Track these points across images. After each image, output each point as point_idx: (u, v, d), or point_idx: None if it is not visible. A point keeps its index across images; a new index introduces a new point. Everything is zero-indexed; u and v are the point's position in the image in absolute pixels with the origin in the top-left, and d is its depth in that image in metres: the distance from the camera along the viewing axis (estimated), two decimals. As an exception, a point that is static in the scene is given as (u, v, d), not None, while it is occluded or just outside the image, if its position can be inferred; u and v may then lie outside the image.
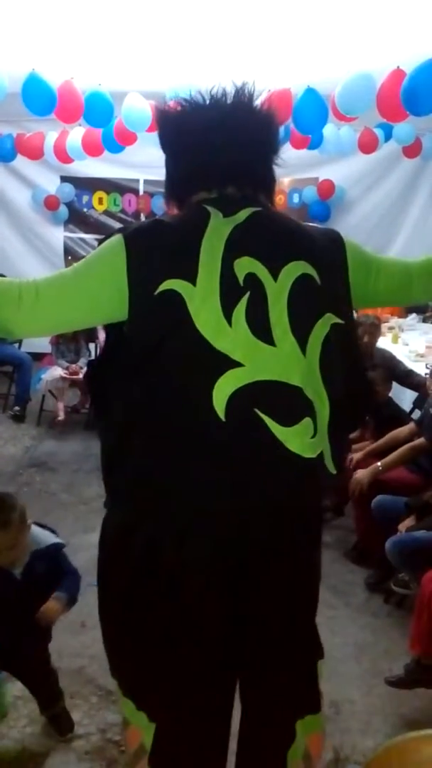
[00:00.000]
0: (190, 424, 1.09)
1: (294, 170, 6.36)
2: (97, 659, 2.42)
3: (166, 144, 1.28)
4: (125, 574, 1.22)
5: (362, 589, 2.97)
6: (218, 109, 1.20)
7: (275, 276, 1.13)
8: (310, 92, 3.83)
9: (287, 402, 1.10)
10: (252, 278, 1.12)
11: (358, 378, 1.25)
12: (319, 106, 3.84)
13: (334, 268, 1.20)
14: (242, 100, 1.22)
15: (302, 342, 1.12)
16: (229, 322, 1.08)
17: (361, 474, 2.98)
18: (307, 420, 1.11)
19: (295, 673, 1.25)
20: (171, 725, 1.23)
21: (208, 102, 1.21)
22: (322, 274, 1.17)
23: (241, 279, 1.11)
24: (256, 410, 1.08)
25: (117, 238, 1.16)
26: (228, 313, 1.09)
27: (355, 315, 1.28)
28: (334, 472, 1.16)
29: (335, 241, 1.25)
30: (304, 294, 1.14)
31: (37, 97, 3.63)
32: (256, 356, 1.09)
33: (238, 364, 1.07)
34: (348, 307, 1.22)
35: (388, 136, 4.93)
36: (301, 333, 1.12)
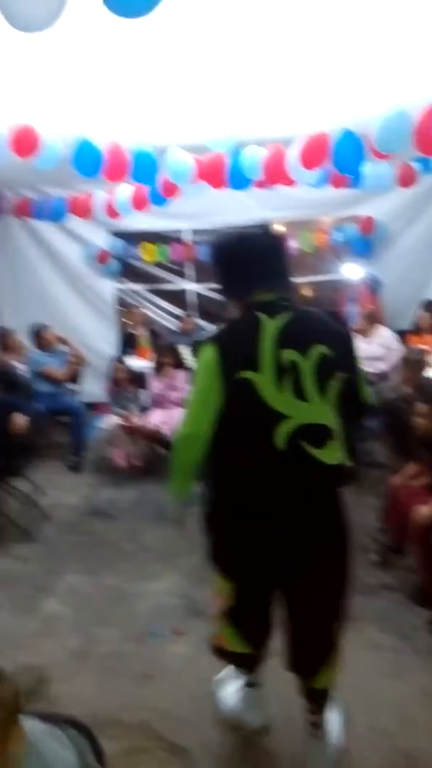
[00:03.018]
0: (264, 452, 1.85)
1: (335, 209, 6.43)
2: (162, 713, 2.39)
3: (224, 267, 2.02)
4: (228, 522, 2.00)
5: (428, 632, 2.84)
6: (259, 239, 1.97)
7: (305, 357, 1.86)
8: (348, 134, 3.89)
9: (318, 434, 1.86)
10: (292, 362, 1.85)
11: (357, 406, 2.04)
12: (357, 146, 3.89)
13: (341, 341, 1.96)
14: (270, 235, 2.02)
15: (323, 396, 1.88)
16: (281, 392, 1.84)
17: (422, 511, 2.88)
18: (331, 442, 1.88)
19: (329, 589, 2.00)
20: (243, 589, 2.05)
21: (249, 238, 1.97)
22: (333, 348, 1.90)
23: (285, 364, 1.85)
24: (300, 441, 1.85)
25: (211, 349, 1.89)
26: (279, 386, 1.84)
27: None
28: (351, 464, 1.93)
29: (344, 325, 2.07)
30: (322, 366, 1.88)
31: (87, 160, 3.82)
32: (298, 410, 1.85)
33: (287, 417, 1.84)
34: (353, 361, 1.98)
35: (426, 169, 4.92)
36: (322, 390, 1.88)
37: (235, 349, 1.86)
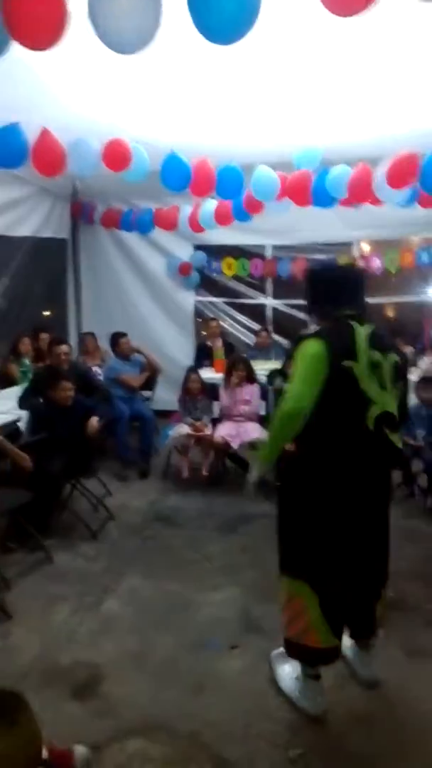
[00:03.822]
0: (357, 431, 2.29)
1: (422, 229, 6.27)
2: (214, 726, 2.37)
3: (319, 289, 2.55)
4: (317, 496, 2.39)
5: None
6: (347, 273, 2.73)
7: (385, 359, 2.35)
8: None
9: (392, 421, 2.33)
10: (378, 361, 2.33)
11: (403, 410, 2.48)
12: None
13: (403, 356, 2.49)
14: (357, 269, 3.55)
15: (394, 392, 2.36)
16: (371, 382, 2.29)
17: None
18: (398, 429, 2.37)
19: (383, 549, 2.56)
20: (325, 581, 2.41)
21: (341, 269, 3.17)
22: (399, 359, 2.42)
23: (374, 360, 2.31)
24: (382, 425, 2.30)
25: (318, 342, 2.30)
26: (371, 377, 2.29)
27: None
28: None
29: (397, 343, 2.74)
30: (395, 369, 2.38)
31: (175, 174, 3.93)
32: (382, 399, 2.31)
33: (375, 403, 2.29)
34: (406, 374, 2.55)
35: None
36: (393, 387, 2.36)
37: (338, 344, 2.29)
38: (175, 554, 3.95)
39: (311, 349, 2.29)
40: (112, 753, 2.22)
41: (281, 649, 2.63)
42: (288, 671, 2.63)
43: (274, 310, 7.15)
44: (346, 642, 2.62)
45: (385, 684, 2.61)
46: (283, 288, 7.00)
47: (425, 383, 4.77)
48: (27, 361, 5.66)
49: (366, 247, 6.92)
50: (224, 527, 4.29)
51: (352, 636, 2.64)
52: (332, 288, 2.50)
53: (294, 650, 2.50)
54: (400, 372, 2.40)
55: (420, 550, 3.87)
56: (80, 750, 2.02)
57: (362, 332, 2.32)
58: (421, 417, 4.62)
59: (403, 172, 3.81)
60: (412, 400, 4.61)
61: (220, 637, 2.99)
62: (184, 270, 6.94)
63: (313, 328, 2.58)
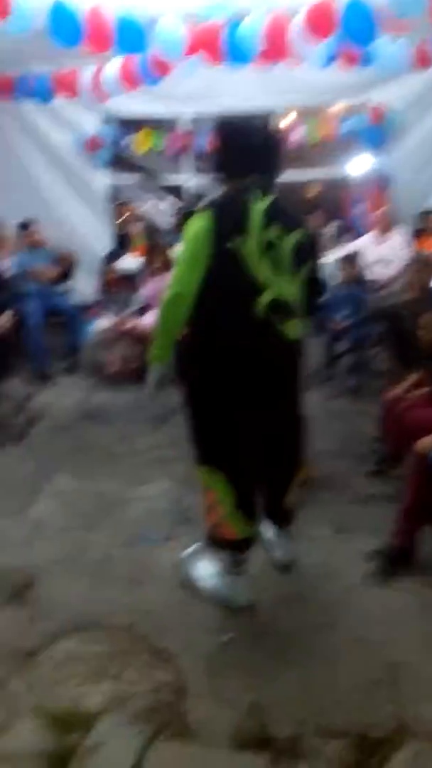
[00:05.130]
0: (245, 319, 2.12)
1: (344, 94, 5.89)
2: (150, 616, 2.39)
3: (227, 146, 2.24)
4: (213, 376, 2.24)
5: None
6: (260, 132, 2.28)
7: (285, 238, 2.13)
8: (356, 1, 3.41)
9: (286, 309, 2.17)
10: (274, 239, 2.11)
11: (314, 289, 2.34)
12: (366, 14, 3.42)
13: (310, 233, 2.32)
14: (272, 128, 2.53)
15: (296, 276, 2.19)
16: (263, 265, 2.09)
17: (426, 442, 2.69)
18: (294, 319, 2.21)
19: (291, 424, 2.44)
20: (235, 472, 2.30)
21: (255, 127, 2.29)
22: (305, 236, 2.22)
23: (269, 240, 2.11)
24: (271, 313, 2.13)
25: (204, 219, 2.10)
26: (262, 259, 2.08)
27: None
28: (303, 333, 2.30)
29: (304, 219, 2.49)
30: (298, 249, 2.18)
31: (65, 26, 3.41)
32: (276, 283, 2.13)
33: (266, 288, 2.11)
34: (317, 252, 2.43)
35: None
36: (296, 271, 2.19)
37: (227, 221, 2.08)
38: (105, 451, 3.88)
39: (194, 226, 2.11)
40: (47, 656, 2.21)
41: (190, 549, 2.62)
42: (205, 569, 2.55)
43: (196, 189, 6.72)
44: (265, 526, 2.59)
45: (312, 563, 2.67)
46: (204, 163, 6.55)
47: (347, 261, 4.66)
48: None
49: (292, 115, 6.47)
50: (154, 420, 4.22)
51: (268, 522, 2.59)
52: (241, 149, 2.20)
53: (213, 541, 2.46)
54: (304, 252, 2.19)
55: (347, 429, 3.95)
56: None
57: (259, 207, 2.09)
58: (344, 297, 4.55)
59: (321, 20, 3.42)
60: (334, 280, 4.51)
61: (153, 530, 2.99)
62: (92, 146, 6.31)
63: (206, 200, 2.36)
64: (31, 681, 2.09)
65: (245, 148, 2.20)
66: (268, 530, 2.62)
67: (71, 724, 1.91)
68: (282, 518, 2.57)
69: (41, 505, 3.27)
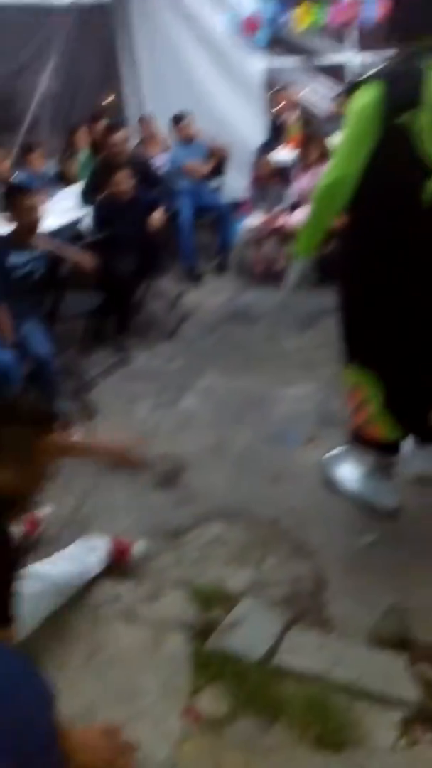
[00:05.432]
0: (411, 202, 1.87)
1: None
2: (292, 511, 2.43)
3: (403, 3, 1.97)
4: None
5: None
6: None
7: None
8: None
9: None
10: None
11: None
12: None
13: None
14: None
15: None
16: None
17: None
18: None
19: None
20: (387, 371, 2.14)
21: None
22: None
23: None
24: None
25: (371, 90, 1.82)
26: None
27: None
28: None
29: None
30: None
31: None
32: None
33: None
34: None
35: None
36: None
37: (398, 92, 1.81)
38: (251, 351, 3.88)
39: (360, 100, 1.85)
40: (194, 537, 2.34)
41: (333, 453, 2.56)
42: (349, 471, 2.50)
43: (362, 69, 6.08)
44: (411, 441, 2.41)
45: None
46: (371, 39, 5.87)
47: None
48: (84, 155, 5.25)
49: None
50: (302, 322, 4.12)
51: (416, 439, 2.41)
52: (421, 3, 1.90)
53: (359, 442, 2.38)
54: None
55: None
56: (140, 545, 2.20)
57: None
58: None
59: None
60: None
61: (297, 430, 2.98)
62: (248, 26, 5.89)
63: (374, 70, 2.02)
64: (179, 558, 2.25)
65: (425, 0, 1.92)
66: (412, 442, 2.47)
67: (213, 601, 2.03)
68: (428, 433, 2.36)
69: (190, 399, 3.38)
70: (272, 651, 1.82)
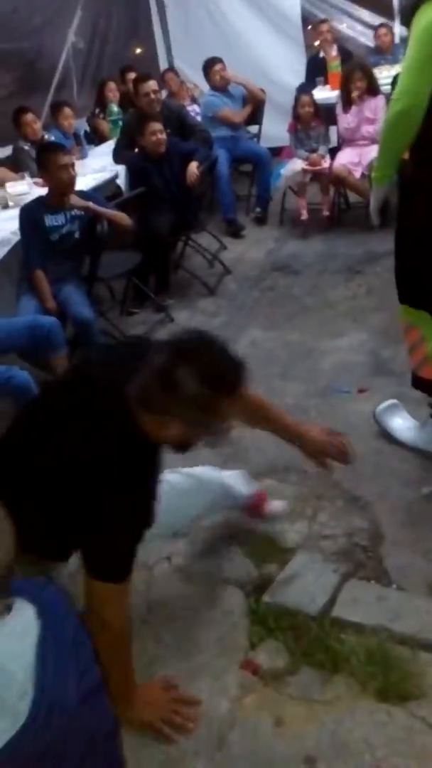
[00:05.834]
0: None
1: None
2: (346, 466, 2.35)
3: None
4: None
5: None
6: None
7: None
8: None
9: None
10: None
11: None
12: None
13: None
14: None
15: None
16: None
17: None
18: None
19: None
20: None
21: None
22: None
23: None
24: None
25: None
26: None
27: None
28: None
29: None
30: None
31: None
32: None
33: None
34: None
35: None
36: None
37: None
38: (296, 303, 3.77)
39: (427, 17, 1.67)
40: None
41: (386, 404, 2.46)
42: (400, 423, 2.42)
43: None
44: None
45: None
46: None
47: None
48: (115, 108, 5.11)
49: None
50: (348, 270, 3.97)
51: None
52: None
53: (417, 384, 2.26)
54: None
55: None
56: (280, 503, 2.10)
57: None
58: None
59: None
60: None
61: (347, 381, 2.89)
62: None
63: None
64: (230, 514, 2.22)
65: None
66: None
67: (268, 556, 2.00)
68: None
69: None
70: (330, 604, 1.79)
